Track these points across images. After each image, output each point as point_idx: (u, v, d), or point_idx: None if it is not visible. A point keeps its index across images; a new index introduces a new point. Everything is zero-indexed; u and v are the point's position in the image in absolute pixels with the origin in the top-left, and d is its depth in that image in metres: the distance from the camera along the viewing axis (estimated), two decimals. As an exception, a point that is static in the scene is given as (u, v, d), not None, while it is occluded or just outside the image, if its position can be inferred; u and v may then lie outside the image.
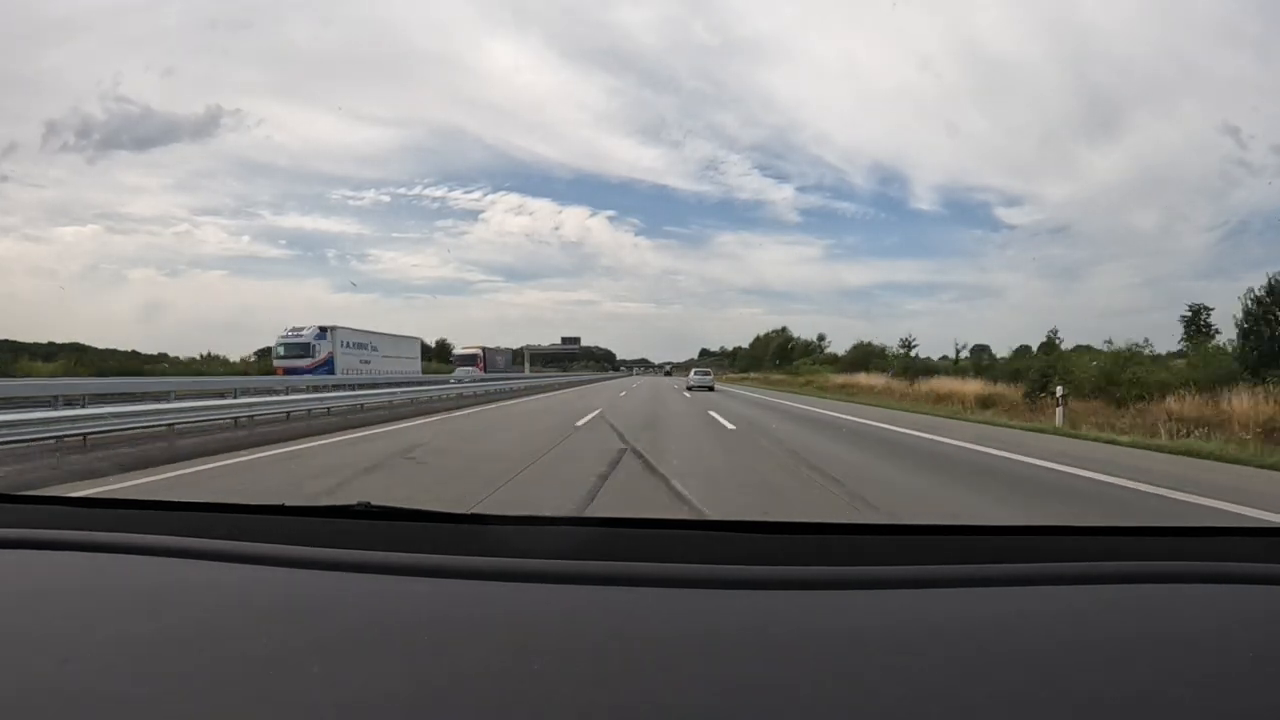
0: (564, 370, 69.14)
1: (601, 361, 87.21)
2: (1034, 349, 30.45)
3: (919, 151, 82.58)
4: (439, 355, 57.07)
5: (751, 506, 4.86)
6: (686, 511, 4.59)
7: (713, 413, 14.57)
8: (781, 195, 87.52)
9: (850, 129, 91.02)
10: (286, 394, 15.05)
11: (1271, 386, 11.59)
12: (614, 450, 7.68)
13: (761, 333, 76.32)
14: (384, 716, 0.54)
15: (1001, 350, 34.17)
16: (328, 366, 29.59)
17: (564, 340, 72.20)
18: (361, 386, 18.95)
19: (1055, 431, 10.79)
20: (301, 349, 29.86)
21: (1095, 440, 9.55)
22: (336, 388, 18.26)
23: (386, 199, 77.97)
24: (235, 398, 13.53)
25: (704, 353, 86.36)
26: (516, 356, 60.65)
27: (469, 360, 45.54)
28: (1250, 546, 0.87)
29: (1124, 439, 9.45)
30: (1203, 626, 0.69)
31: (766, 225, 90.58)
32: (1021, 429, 11.42)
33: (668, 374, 71.64)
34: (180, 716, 0.54)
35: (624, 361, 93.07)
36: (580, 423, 11.69)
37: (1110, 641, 0.64)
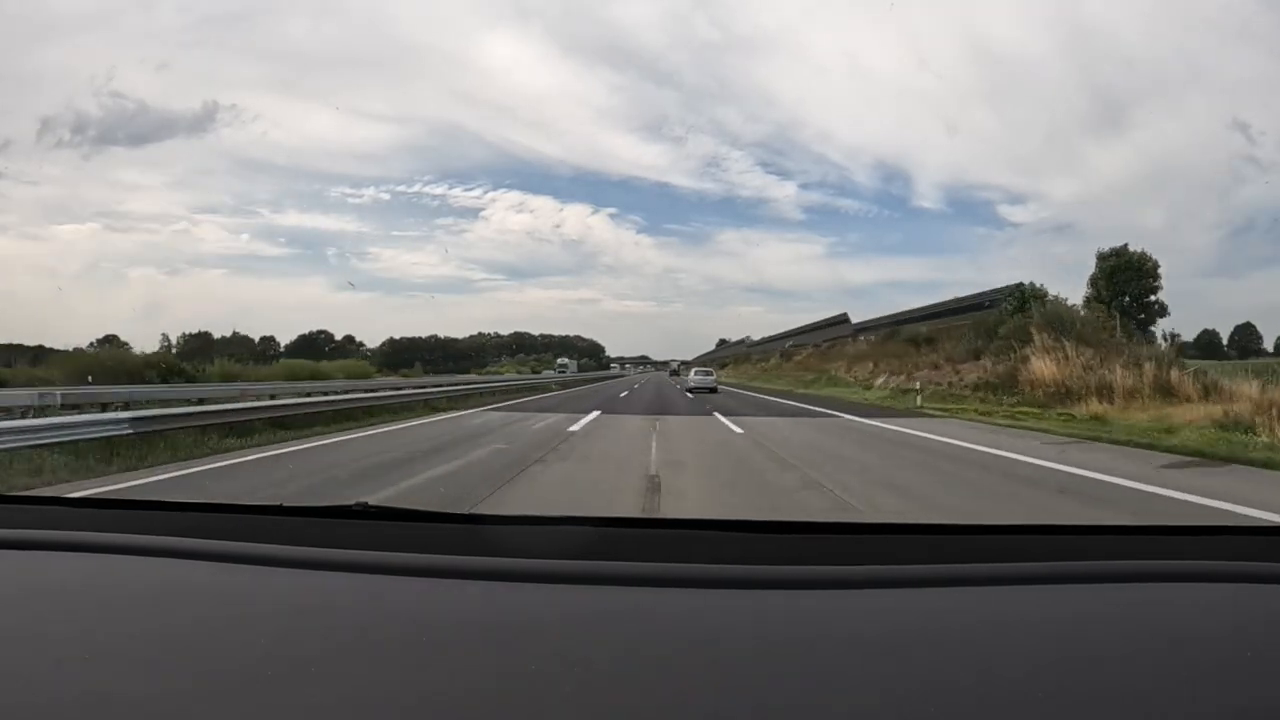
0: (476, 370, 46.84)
1: (583, 357, 78.99)
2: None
3: (922, 149, 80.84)
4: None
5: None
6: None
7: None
8: (784, 192, 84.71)
9: (853, 126, 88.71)
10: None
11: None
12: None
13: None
14: (383, 716, 0.54)
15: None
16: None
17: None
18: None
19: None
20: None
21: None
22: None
23: (386, 197, 75.78)
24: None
25: (722, 343, 79.39)
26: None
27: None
28: (1250, 546, 0.88)
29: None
30: (1202, 625, 0.69)
31: (769, 223, 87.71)
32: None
33: (674, 373, 59.34)
34: (178, 717, 0.54)
35: (620, 359, 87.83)
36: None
37: (1109, 639, 0.65)
